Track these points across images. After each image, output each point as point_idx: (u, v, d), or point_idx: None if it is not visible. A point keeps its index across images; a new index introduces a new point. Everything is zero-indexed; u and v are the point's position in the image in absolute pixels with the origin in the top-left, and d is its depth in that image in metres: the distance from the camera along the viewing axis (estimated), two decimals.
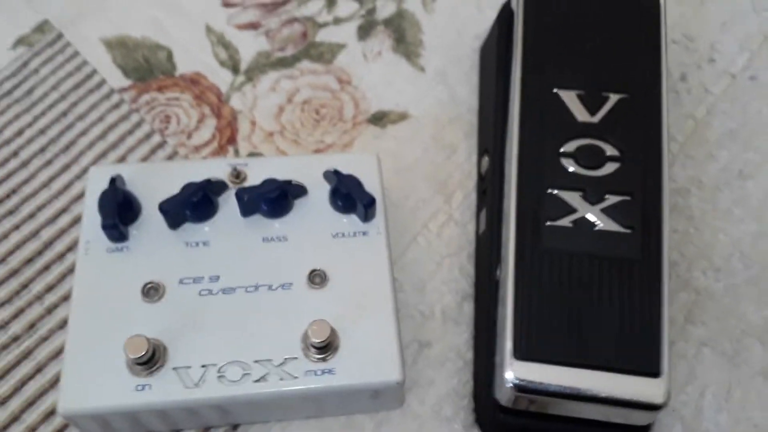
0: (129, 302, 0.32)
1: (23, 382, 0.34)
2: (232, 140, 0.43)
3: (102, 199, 0.33)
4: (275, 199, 0.34)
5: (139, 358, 0.29)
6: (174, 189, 0.34)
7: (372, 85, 0.45)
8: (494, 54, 0.42)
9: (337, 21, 0.48)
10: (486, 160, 0.40)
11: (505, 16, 0.42)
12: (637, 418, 0.31)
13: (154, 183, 0.35)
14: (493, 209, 0.37)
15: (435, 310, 0.37)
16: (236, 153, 0.42)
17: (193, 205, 0.33)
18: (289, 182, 0.34)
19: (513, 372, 0.30)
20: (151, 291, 0.32)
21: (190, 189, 0.33)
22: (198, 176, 0.35)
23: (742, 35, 0.46)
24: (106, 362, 0.30)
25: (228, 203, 0.35)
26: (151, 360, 0.30)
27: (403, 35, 0.47)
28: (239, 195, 0.33)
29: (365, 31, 0.47)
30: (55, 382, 0.34)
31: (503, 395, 0.31)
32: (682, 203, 0.40)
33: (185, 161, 0.39)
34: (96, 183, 0.35)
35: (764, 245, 0.39)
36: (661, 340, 0.30)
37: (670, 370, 0.30)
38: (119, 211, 0.33)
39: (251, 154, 0.42)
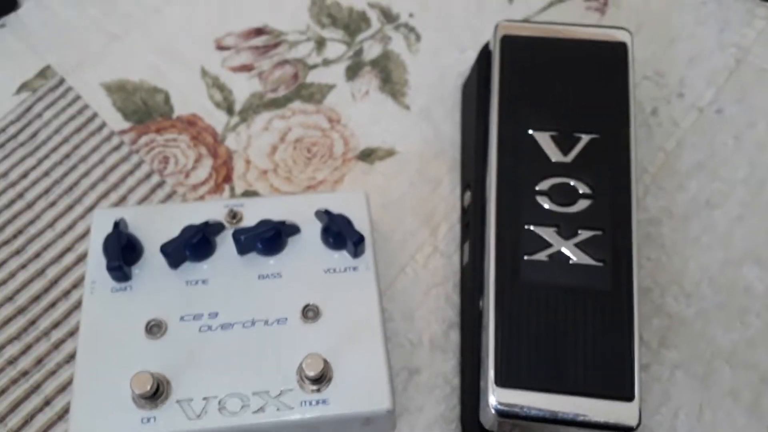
0: (133, 339, 0.34)
1: (32, 416, 0.36)
2: (228, 179, 0.45)
3: (107, 242, 0.35)
4: (270, 238, 0.36)
5: (144, 393, 0.31)
6: (174, 230, 0.36)
7: (360, 123, 0.48)
8: (474, 93, 0.44)
9: (326, 62, 0.50)
10: (468, 194, 0.43)
11: (484, 57, 0.44)
12: None
13: (155, 225, 0.37)
14: (476, 242, 0.39)
15: (423, 338, 0.40)
16: (232, 191, 0.44)
17: (193, 246, 0.35)
18: (282, 222, 0.36)
19: (495, 398, 0.32)
20: (154, 328, 0.34)
21: (189, 231, 0.35)
22: (196, 218, 0.37)
23: (709, 71, 0.49)
24: (113, 396, 0.32)
25: (225, 242, 0.37)
26: (155, 394, 0.32)
27: (389, 75, 0.50)
28: (236, 236, 0.35)
29: (353, 71, 0.50)
30: (62, 415, 0.36)
31: (487, 420, 0.33)
32: (655, 233, 0.43)
33: (184, 204, 0.41)
34: (100, 225, 0.37)
35: (731, 272, 0.41)
36: (633, 367, 0.32)
37: (641, 394, 0.32)
38: (123, 252, 0.35)
39: (246, 192, 0.44)
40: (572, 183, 0.37)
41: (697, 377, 0.38)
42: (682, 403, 0.37)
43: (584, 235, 0.36)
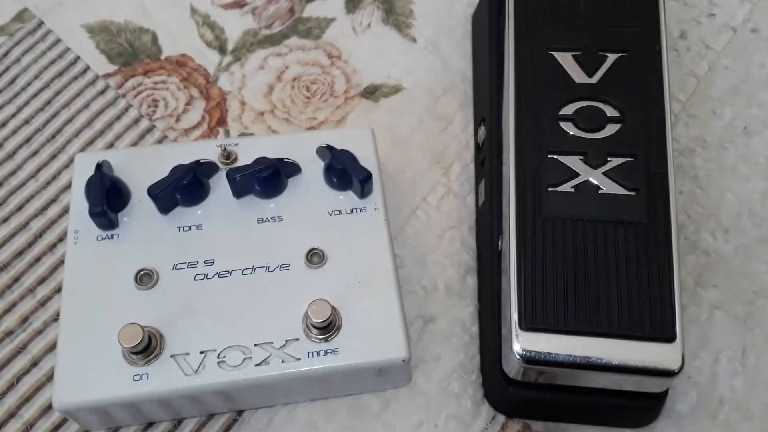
0: (122, 290, 0.31)
1: (18, 378, 0.34)
2: (222, 122, 0.41)
3: (89, 185, 0.32)
4: (268, 178, 0.33)
5: (134, 347, 0.28)
6: (164, 172, 0.33)
7: (363, 58, 0.44)
8: (486, 21, 0.41)
9: None
10: (483, 129, 0.39)
11: None
12: (652, 385, 0.30)
13: (143, 168, 0.34)
14: (492, 179, 0.36)
15: (438, 284, 0.37)
16: (227, 134, 0.41)
17: (184, 187, 0.32)
18: (281, 160, 0.33)
19: (520, 343, 0.29)
20: (145, 278, 0.31)
21: (179, 171, 0.32)
22: (187, 159, 0.33)
23: None
24: (102, 353, 0.30)
25: (219, 185, 0.34)
26: (147, 348, 0.29)
27: (392, 6, 0.46)
28: (230, 176, 0.32)
29: (354, 3, 0.46)
30: (51, 376, 0.33)
31: (511, 368, 0.30)
32: (687, 164, 0.39)
33: (174, 144, 0.38)
34: (83, 170, 0.34)
35: None
36: (673, 304, 0.29)
37: (684, 335, 0.29)
38: (108, 197, 0.32)
39: (242, 135, 0.41)
40: (599, 106, 0.33)
41: (738, 318, 0.35)
42: (722, 346, 0.34)
43: (614, 162, 0.32)
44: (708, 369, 0.34)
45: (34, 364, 0.34)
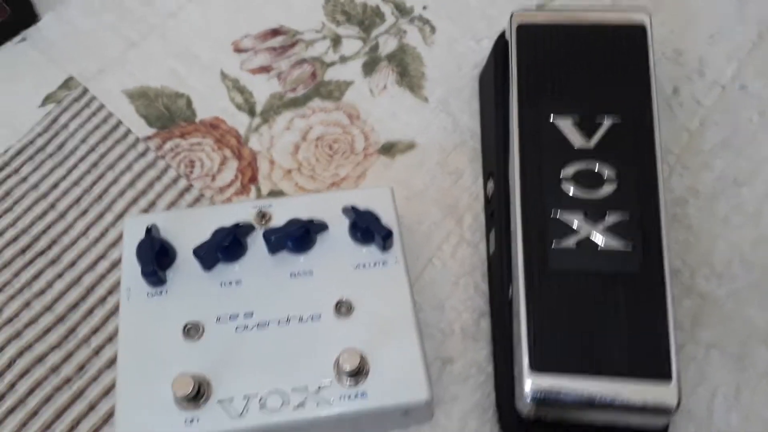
0: (171, 342, 0.35)
1: (78, 421, 0.37)
2: (253, 179, 0.45)
3: (140, 248, 0.36)
4: (300, 237, 0.36)
5: (186, 395, 0.32)
6: (204, 233, 0.37)
7: (379, 118, 0.48)
8: (492, 83, 0.44)
9: (343, 59, 0.50)
10: (491, 183, 0.43)
11: (500, 46, 0.44)
12: (652, 421, 0.33)
13: (186, 229, 0.37)
14: (502, 231, 0.39)
15: (454, 327, 0.40)
16: (258, 191, 0.45)
17: (225, 248, 0.36)
18: (311, 221, 0.37)
19: (531, 383, 0.33)
20: (191, 330, 0.35)
21: (221, 234, 0.36)
22: (226, 220, 0.37)
23: (730, 46, 0.49)
24: (156, 399, 0.33)
25: (256, 243, 0.37)
26: (197, 395, 0.32)
27: (406, 69, 0.50)
28: (267, 236, 0.36)
29: (370, 67, 0.50)
30: (107, 419, 0.37)
31: (524, 406, 0.33)
32: (681, 213, 0.43)
33: (213, 207, 0.41)
34: (132, 232, 0.37)
35: (763, 250, 0.41)
36: (669, 347, 0.32)
37: (680, 374, 0.32)
38: (156, 258, 0.35)
39: (272, 192, 0.45)
40: (597, 168, 0.37)
41: (732, 357, 0.38)
42: (718, 383, 0.37)
43: (611, 219, 0.36)
44: (705, 405, 0.37)
45: (92, 408, 0.37)
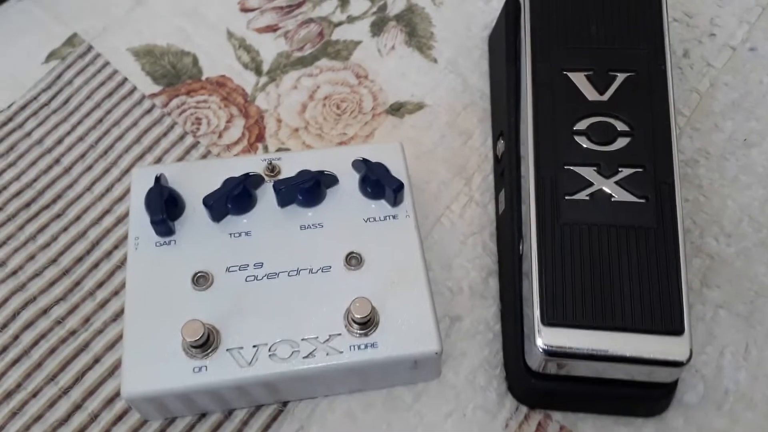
0: (180, 291, 0.34)
1: (83, 373, 0.37)
2: (260, 138, 0.45)
3: (149, 196, 0.35)
4: (310, 188, 0.36)
5: (195, 341, 0.31)
6: (214, 185, 0.36)
7: (388, 78, 0.47)
8: (503, 42, 0.44)
9: (351, 19, 0.50)
10: (501, 143, 0.42)
11: (511, 6, 0.44)
12: (663, 375, 0.33)
13: (195, 180, 0.37)
14: (512, 189, 0.39)
15: (463, 286, 0.40)
16: (265, 149, 0.44)
17: (235, 198, 0.36)
18: (321, 172, 0.36)
19: (542, 338, 0.32)
20: (201, 279, 0.35)
21: (230, 183, 0.36)
22: (235, 172, 0.37)
23: (740, 8, 0.48)
24: (164, 347, 0.33)
25: (265, 195, 0.37)
26: (206, 343, 0.32)
27: (414, 29, 0.49)
28: (276, 187, 0.36)
29: (378, 27, 0.49)
30: (112, 371, 0.37)
31: (534, 360, 0.33)
32: (691, 173, 0.42)
33: (222, 159, 0.41)
34: (140, 182, 0.37)
35: None
36: (681, 300, 0.32)
37: (692, 329, 0.32)
38: (165, 207, 0.35)
39: (279, 150, 0.44)
40: (610, 121, 0.37)
41: (741, 316, 0.38)
42: (727, 342, 0.37)
43: (625, 172, 0.35)
44: (714, 363, 0.37)
45: (97, 360, 0.37)
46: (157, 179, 0.36)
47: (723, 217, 0.41)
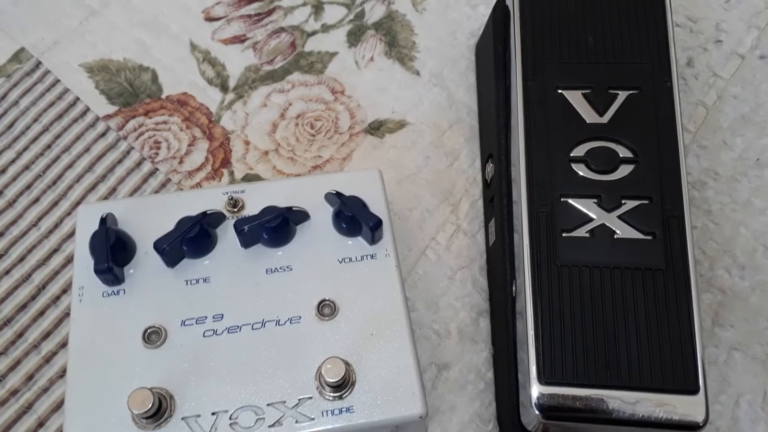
0: (130, 349, 0.30)
1: None
2: (226, 162, 0.41)
3: (93, 241, 0.31)
4: (276, 227, 0.32)
5: (144, 412, 0.27)
6: (169, 223, 0.32)
7: (366, 93, 0.43)
8: (491, 53, 0.40)
9: (326, 28, 0.46)
10: (491, 166, 0.38)
11: (500, 12, 0.40)
12: None
13: (148, 218, 0.33)
14: (504, 219, 0.35)
15: (450, 328, 0.36)
16: (231, 175, 0.40)
17: (190, 240, 0.31)
18: (290, 209, 0.32)
19: (539, 398, 0.29)
20: (153, 336, 0.31)
21: (185, 224, 0.31)
22: (193, 208, 0.33)
23: (749, 12, 0.44)
24: (111, 417, 0.29)
25: (227, 234, 0.33)
26: (158, 412, 0.28)
27: (394, 38, 0.45)
28: (238, 227, 0.32)
29: (355, 36, 0.45)
30: None
31: (530, 421, 0.30)
32: (699, 197, 0.39)
33: (179, 193, 0.37)
34: (86, 223, 0.33)
35: None
36: (695, 354, 0.28)
37: (707, 386, 0.28)
38: (112, 252, 0.31)
39: (247, 176, 0.40)
40: (611, 146, 0.33)
41: (757, 359, 0.34)
42: (743, 389, 0.34)
43: (629, 205, 0.32)
44: (729, 414, 0.33)
45: (41, 424, 0.33)
46: (103, 221, 0.32)
47: (735, 247, 0.37)
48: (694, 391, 0.28)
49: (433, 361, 0.35)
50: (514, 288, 0.33)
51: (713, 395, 0.33)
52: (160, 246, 0.31)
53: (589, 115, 0.34)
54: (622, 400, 0.28)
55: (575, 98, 0.34)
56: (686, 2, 0.45)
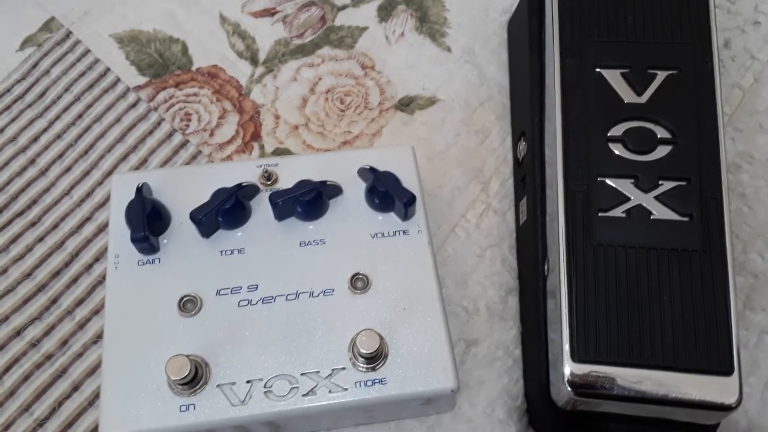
0: (165, 317, 0.31)
1: (60, 402, 0.33)
2: (256, 136, 0.41)
3: (129, 210, 0.31)
4: (310, 201, 0.32)
5: (181, 379, 0.28)
6: (203, 194, 0.32)
7: (397, 68, 0.43)
8: (525, 30, 0.39)
9: (356, 2, 0.45)
10: (523, 144, 0.38)
11: None
12: (706, 418, 0.29)
13: (182, 189, 0.33)
14: (536, 198, 0.35)
15: (479, 305, 0.36)
16: (261, 149, 0.40)
17: (226, 212, 0.32)
18: (323, 183, 0.33)
19: (572, 375, 0.29)
20: (188, 304, 0.31)
21: (221, 195, 0.32)
22: (227, 180, 0.33)
23: None
24: (147, 383, 0.29)
25: (261, 207, 0.33)
26: (194, 379, 0.29)
27: (425, 13, 0.45)
28: (273, 200, 0.32)
29: (386, 11, 0.45)
30: (93, 400, 0.33)
31: (561, 398, 0.30)
32: (733, 180, 0.38)
33: (213, 165, 0.37)
34: (121, 192, 0.33)
35: None
36: (731, 336, 0.28)
37: (741, 367, 0.28)
38: (148, 221, 0.31)
39: (277, 150, 0.40)
40: (649, 126, 0.33)
41: None
42: None
43: (666, 186, 0.31)
44: (758, 396, 0.33)
45: (75, 388, 0.34)
46: (139, 190, 0.32)
47: None
48: (728, 372, 0.28)
49: (462, 337, 0.35)
50: (546, 267, 0.33)
51: (743, 377, 0.33)
52: (196, 216, 0.31)
53: (627, 94, 0.33)
54: (654, 380, 0.28)
55: (613, 77, 0.34)
56: None
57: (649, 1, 0.35)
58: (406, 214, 0.33)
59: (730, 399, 0.28)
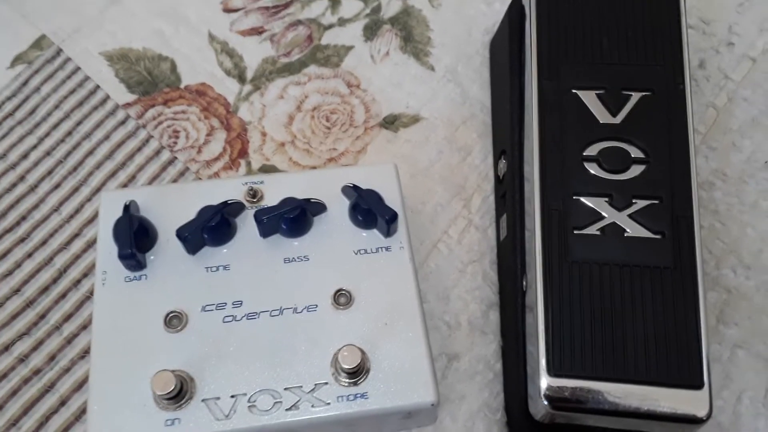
0: (152, 333, 0.31)
1: (47, 417, 0.34)
2: (243, 153, 0.42)
3: (117, 227, 0.32)
4: (295, 218, 0.33)
5: (167, 394, 0.28)
6: (189, 212, 0.33)
7: (382, 87, 0.44)
8: (506, 51, 0.41)
9: (342, 22, 0.46)
10: (503, 162, 0.39)
11: (516, 9, 0.40)
12: (679, 430, 0.30)
13: (169, 207, 0.34)
14: (516, 215, 0.36)
15: (461, 320, 0.37)
16: (249, 166, 0.41)
17: (211, 229, 0.32)
18: (308, 200, 0.33)
19: (548, 389, 0.30)
20: (174, 320, 0.31)
21: (207, 213, 0.32)
22: (213, 198, 0.34)
23: (761, 15, 0.45)
24: (133, 397, 0.30)
25: (246, 224, 0.34)
26: (179, 394, 0.29)
27: (410, 33, 0.46)
28: (258, 217, 0.32)
29: (371, 31, 0.46)
30: (80, 415, 0.34)
31: (538, 411, 0.30)
32: (706, 197, 0.39)
33: (199, 183, 0.38)
34: (109, 209, 0.34)
35: None
36: (701, 351, 0.29)
37: (711, 381, 0.29)
38: (135, 238, 0.32)
39: (264, 167, 0.41)
40: (624, 146, 0.34)
41: (761, 357, 0.35)
42: (745, 386, 0.35)
43: (639, 204, 0.32)
44: (730, 410, 0.34)
45: (63, 403, 0.34)
46: (126, 207, 0.32)
47: (741, 247, 0.38)
48: (698, 385, 0.29)
49: (444, 352, 0.36)
50: (524, 282, 0.34)
51: (716, 391, 0.34)
52: (182, 233, 0.32)
53: (602, 115, 0.35)
54: (628, 393, 0.29)
55: (589, 98, 0.35)
56: (700, 3, 0.46)
57: (623, 25, 0.36)
58: (389, 231, 0.33)
59: (701, 412, 0.29)
